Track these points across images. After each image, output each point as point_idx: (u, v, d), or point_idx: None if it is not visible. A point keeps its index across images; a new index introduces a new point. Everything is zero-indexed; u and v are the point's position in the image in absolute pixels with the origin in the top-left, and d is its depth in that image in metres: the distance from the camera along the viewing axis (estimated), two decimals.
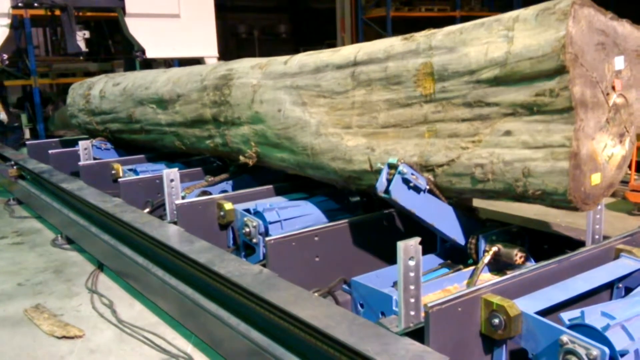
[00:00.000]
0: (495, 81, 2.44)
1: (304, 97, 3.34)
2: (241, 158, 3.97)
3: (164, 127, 4.77)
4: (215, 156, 4.88)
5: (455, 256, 2.97)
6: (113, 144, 5.91)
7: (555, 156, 2.28)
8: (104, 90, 5.76)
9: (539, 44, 2.27)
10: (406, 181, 2.66)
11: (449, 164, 2.63)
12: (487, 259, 2.72)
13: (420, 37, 2.79)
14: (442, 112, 2.66)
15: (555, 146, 2.28)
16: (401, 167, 2.64)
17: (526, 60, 2.31)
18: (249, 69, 3.87)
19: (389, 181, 2.66)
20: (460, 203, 2.89)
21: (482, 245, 2.79)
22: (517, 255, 2.69)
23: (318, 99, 3.26)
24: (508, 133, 2.42)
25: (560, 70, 2.22)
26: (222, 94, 3.97)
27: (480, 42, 2.50)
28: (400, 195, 2.66)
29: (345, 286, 2.95)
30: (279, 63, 3.66)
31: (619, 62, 2.42)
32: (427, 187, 2.70)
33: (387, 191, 2.66)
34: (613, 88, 2.41)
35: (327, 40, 17.46)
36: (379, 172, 2.76)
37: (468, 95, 2.55)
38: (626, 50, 2.46)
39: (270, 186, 4.02)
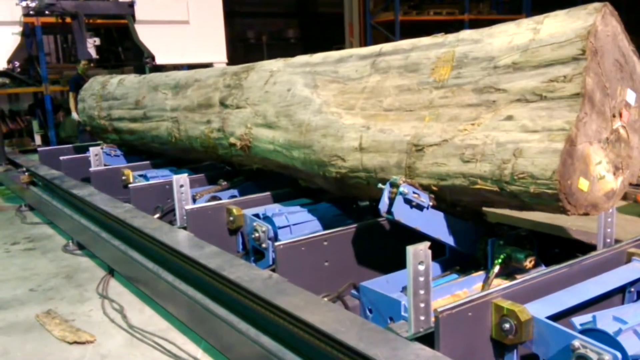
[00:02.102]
0: (512, 67, 2.47)
1: (318, 81, 3.41)
2: (231, 140, 3.95)
3: (166, 113, 4.82)
4: (202, 147, 4.49)
5: (465, 261, 2.96)
6: (116, 139, 5.94)
7: (552, 138, 2.24)
8: (124, 79, 5.95)
9: (564, 31, 2.35)
10: (408, 201, 2.64)
11: (440, 144, 2.59)
12: (497, 264, 2.69)
13: (451, 35, 2.89)
14: (450, 97, 2.67)
15: (554, 130, 2.24)
16: (402, 188, 2.62)
17: (548, 45, 2.37)
18: (273, 61, 4.02)
19: (391, 201, 2.65)
20: (467, 209, 2.86)
21: (491, 250, 2.77)
22: (527, 259, 2.67)
23: (331, 84, 3.32)
24: (510, 118, 2.41)
25: (579, 57, 2.26)
26: (239, 78, 4.08)
27: (507, 34, 2.58)
28: (403, 215, 2.65)
29: (354, 291, 2.94)
30: (304, 56, 3.80)
31: (630, 95, 2.46)
32: (430, 203, 2.69)
33: (389, 212, 2.65)
34: (620, 115, 2.42)
35: (336, 45, 17.50)
36: (380, 190, 2.73)
37: (480, 81, 2.57)
38: (639, 91, 2.48)
39: (280, 191, 4.03)
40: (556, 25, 2.40)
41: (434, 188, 2.68)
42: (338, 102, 3.22)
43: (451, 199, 2.71)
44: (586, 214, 2.33)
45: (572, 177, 2.24)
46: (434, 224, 2.73)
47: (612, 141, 2.40)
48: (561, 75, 2.29)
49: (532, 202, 2.35)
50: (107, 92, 5.93)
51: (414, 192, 2.64)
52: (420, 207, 2.67)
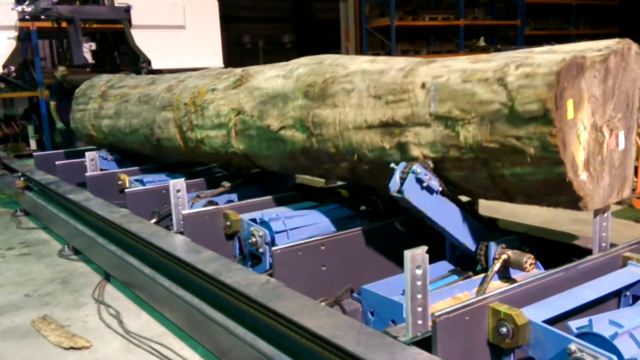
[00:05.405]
0: (548, 50, 2.51)
1: None
2: (231, 77, 3.90)
3: (176, 80, 4.71)
4: (190, 98, 4.22)
5: (465, 263, 2.97)
6: (92, 109, 5.86)
7: (571, 54, 2.29)
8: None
9: (605, 44, 2.47)
10: (419, 181, 2.66)
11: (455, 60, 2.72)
12: (497, 266, 2.70)
13: None
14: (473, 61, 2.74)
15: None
16: (415, 167, 2.63)
17: (585, 42, 2.51)
18: None
19: (402, 180, 2.66)
20: (469, 204, 2.86)
21: (492, 252, 2.78)
22: (527, 262, 2.68)
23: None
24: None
25: (610, 46, 2.43)
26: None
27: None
28: (413, 195, 2.65)
29: (355, 294, 2.95)
30: None
31: (622, 138, 2.56)
32: (440, 188, 2.70)
33: (400, 191, 2.66)
34: (611, 132, 2.49)
35: (332, 50, 17.55)
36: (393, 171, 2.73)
37: (511, 55, 2.59)
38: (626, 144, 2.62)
39: (277, 195, 4.02)
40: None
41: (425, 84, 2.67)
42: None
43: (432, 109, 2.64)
44: (553, 139, 2.22)
45: (569, 84, 2.24)
46: (441, 211, 2.74)
47: (598, 136, 2.43)
48: (590, 49, 2.39)
49: (519, 91, 2.29)
50: (133, 77, 5.89)
51: (425, 174, 2.65)
52: (430, 190, 2.69)
